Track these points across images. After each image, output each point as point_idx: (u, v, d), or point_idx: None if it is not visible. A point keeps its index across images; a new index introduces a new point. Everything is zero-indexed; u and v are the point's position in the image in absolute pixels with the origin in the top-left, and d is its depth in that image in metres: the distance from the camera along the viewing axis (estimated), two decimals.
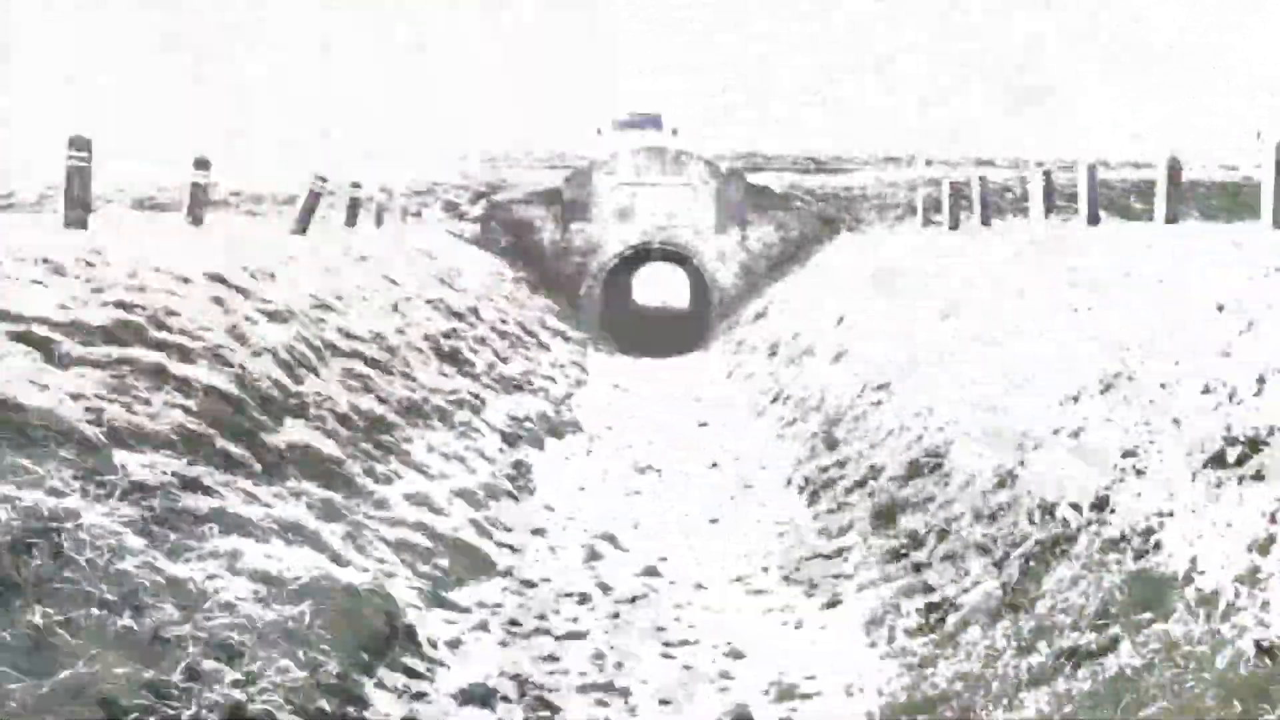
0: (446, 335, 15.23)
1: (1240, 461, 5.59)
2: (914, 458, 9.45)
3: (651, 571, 8.86)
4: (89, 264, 9.37)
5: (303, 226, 16.71)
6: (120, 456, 6.24)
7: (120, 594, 4.98)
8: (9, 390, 6.08)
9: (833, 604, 7.73)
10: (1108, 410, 7.22)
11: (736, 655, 7.00)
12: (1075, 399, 7.82)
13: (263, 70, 66.28)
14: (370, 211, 22.54)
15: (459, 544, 8.53)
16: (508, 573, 8.61)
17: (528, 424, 13.78)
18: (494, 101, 72.23)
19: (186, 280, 9.98)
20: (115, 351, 7.59)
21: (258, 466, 7.47)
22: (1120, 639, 5.01)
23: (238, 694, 4.75)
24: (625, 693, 6.43)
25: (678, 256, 30.43)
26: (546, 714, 6.10)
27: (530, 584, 8.42)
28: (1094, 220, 16.00)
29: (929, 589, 6.92)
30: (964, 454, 8.72)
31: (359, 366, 11.11)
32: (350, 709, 5.36)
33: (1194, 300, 7.84)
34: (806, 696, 6.30)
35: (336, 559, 6.72)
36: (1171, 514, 5.69)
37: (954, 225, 20.26)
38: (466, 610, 7.55)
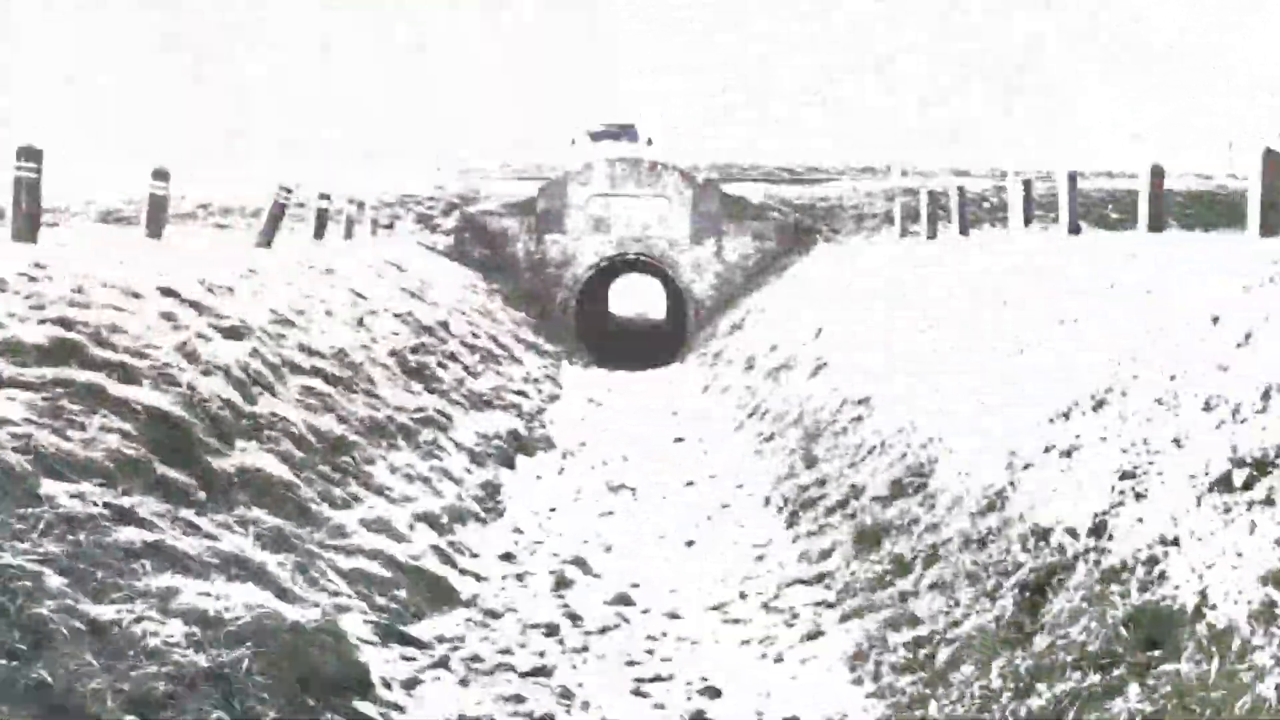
0: (414, 350, 14.75)
1: (1248, 484, 5.22)
2: (897, 476, 9.07)
3: (624, 599, 8.44)
4: (32, 279, 8.90)
5: (267, 239, 16.27)
6: (47, 486, 5.77)
7: (32, 641, 4.52)
8: None
9: (814, 635, 7.33)
10: (1102, 428, 6.85)
11: (713, 693, 6.58)
12: (1066, 415, 7.45)
13: (263, 70, 65.64)
14: (340, 224, 22.08)
15: (420, 573, 8.08)
16: (471, 602, 8.17)
17: (497, 442, 13.32)
18: (494, 102, 71.82)
19: (137, 295, 9.51)
20: (50, 372, 7.11)
21: (202, 494, 7.00)
22: (1127, 681, 4.62)
23: None
24: None
25: (654, 268, 30.05)
26: None
27: (495, 614, 7.97)
28: (1074, 229, 15.71)
29: (916, 620, 6.51)
30: (949, 473, 8.35)
31: (319, 384, 10.63)
32: None
33: (1186, 311, 7.49)
34: None
35: (283, 594, 6.25)
36: (1176, 541, 5.30)
37: (932, 235, 20.03)
38: (426, 646, 7.09)
